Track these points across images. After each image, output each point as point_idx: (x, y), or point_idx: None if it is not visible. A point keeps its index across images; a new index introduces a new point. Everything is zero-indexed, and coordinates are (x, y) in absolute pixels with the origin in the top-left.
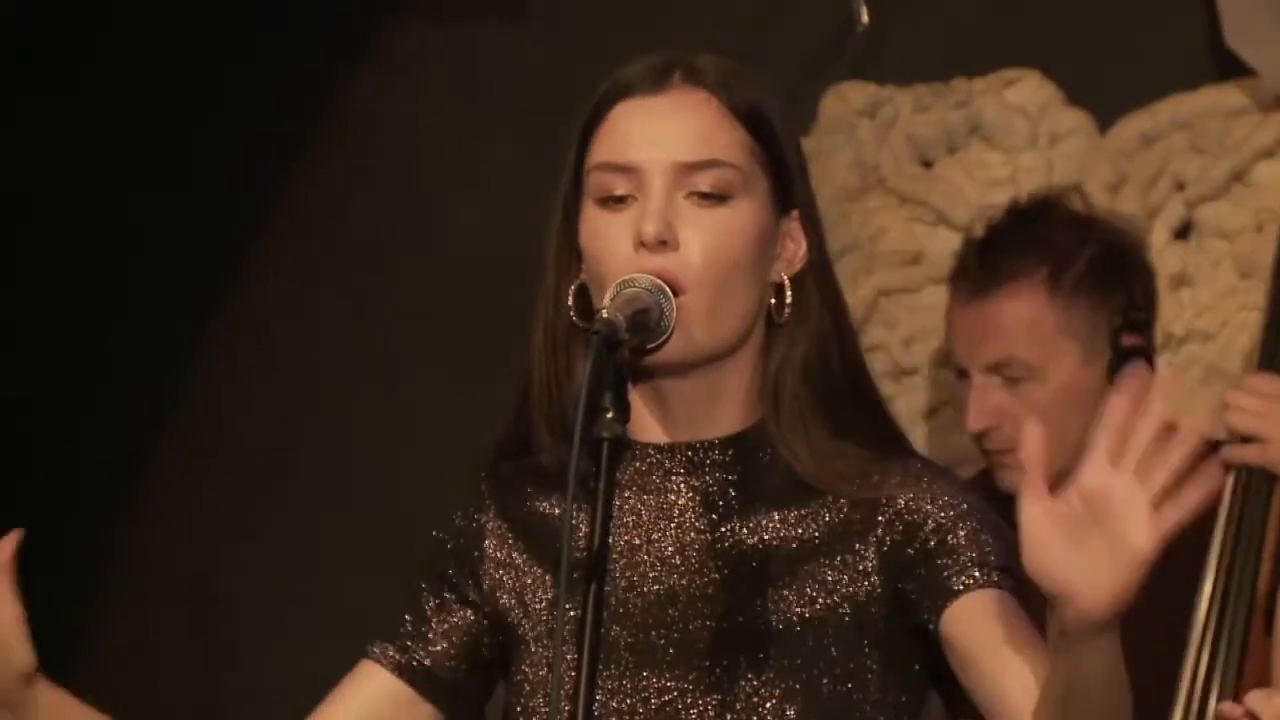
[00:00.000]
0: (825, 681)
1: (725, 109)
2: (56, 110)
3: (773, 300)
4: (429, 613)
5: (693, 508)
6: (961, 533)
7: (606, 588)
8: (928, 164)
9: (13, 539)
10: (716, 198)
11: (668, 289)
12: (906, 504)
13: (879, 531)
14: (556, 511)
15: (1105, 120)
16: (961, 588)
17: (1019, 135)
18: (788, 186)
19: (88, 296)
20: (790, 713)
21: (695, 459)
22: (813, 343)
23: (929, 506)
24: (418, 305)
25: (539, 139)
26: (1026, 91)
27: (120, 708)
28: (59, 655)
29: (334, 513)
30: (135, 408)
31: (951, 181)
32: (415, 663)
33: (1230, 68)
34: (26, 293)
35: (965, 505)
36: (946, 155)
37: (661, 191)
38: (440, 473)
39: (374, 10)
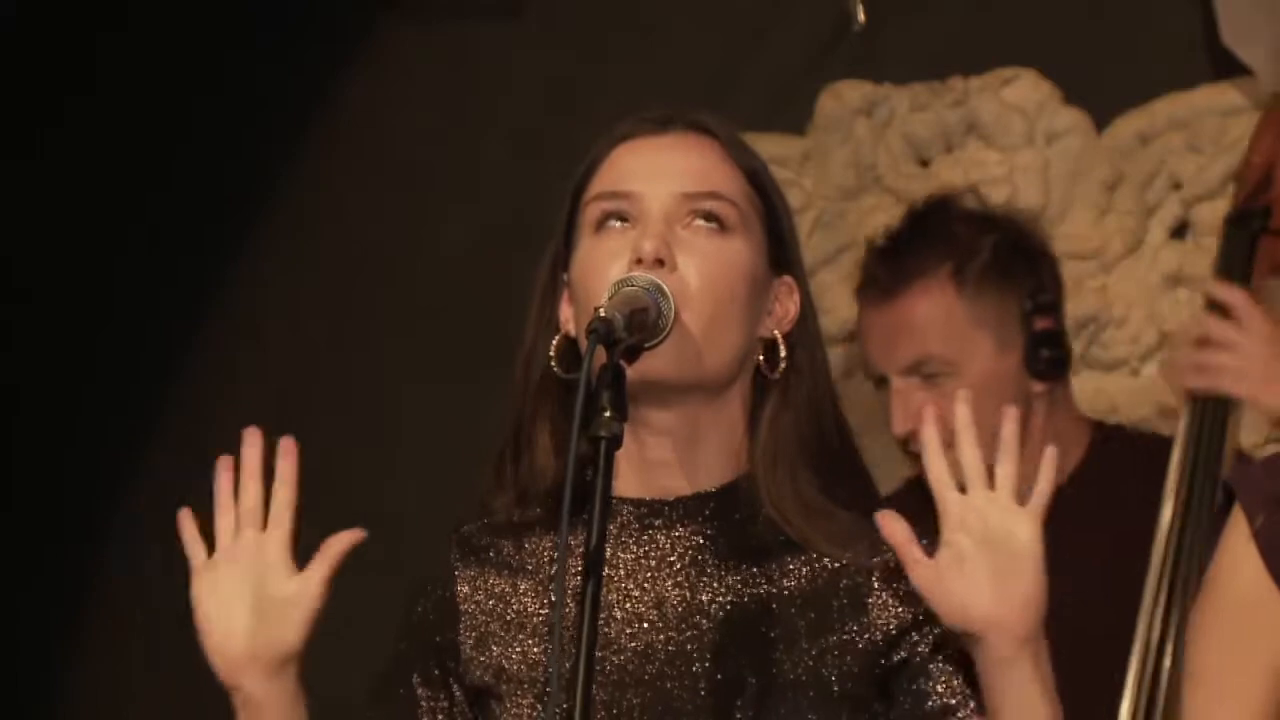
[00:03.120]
0: None
1: (727, 154)
2: (53, 110)
3: (761, 357)
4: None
5: (671, 563)
6: (937, 659)
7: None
8: (925, 163)
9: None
10: (716, 224)
11: (666, 288)
12: (893, 607)
13: (867, 616)
14: (529, 566)
15: (1102, 119)
16: None
17: (1016, 134)
18: (782, 248)
19: (81, 297)
20: None
21: (675, 514)
22: (807, 403)
23: (918, 611)
24: (412, 305)
25: (536, 139)
26: (1023, 90)
27: (115, 706)
28: (53, 656)
29: (329, 513)
30: (128, 409)
31: (948, 180)
32: None
33: (1227, 67)
34: (20, 293)
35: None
36: (943, 154)
37: (660, 218)
38: (433, 475)
39: (370, 11)
